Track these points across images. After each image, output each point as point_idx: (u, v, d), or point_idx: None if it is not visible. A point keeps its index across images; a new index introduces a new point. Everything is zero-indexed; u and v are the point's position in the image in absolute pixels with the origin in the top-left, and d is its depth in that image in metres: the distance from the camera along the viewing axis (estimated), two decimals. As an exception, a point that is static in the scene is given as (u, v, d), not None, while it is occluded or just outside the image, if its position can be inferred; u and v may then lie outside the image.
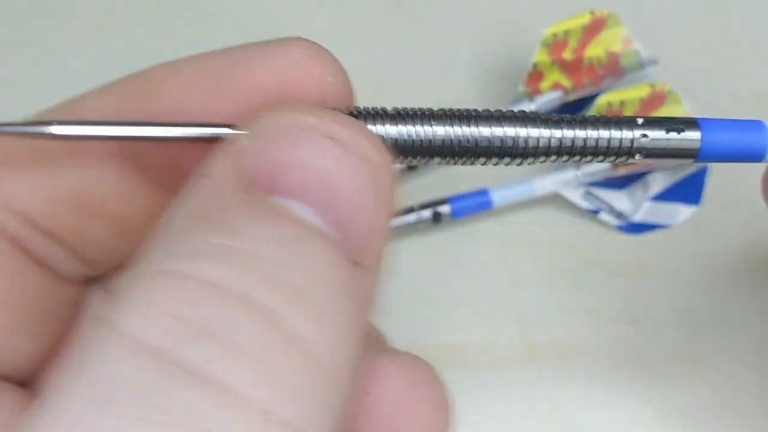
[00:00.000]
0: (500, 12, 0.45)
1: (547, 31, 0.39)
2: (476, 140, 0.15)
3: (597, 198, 0.38)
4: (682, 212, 0.37)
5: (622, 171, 0.37)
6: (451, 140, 0.15)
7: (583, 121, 0.16)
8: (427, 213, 0.36)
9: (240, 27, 0.45)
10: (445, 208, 0.36)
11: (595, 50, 0.39)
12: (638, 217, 0.37)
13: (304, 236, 0.11)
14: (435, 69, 0.43)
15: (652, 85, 0.36)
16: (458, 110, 0.16)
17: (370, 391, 0.15)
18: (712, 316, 0.35)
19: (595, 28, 0.39)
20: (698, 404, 0.33)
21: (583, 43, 0.39)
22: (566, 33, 0.39)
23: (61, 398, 0.10)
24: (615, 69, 0.39)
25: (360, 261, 0.12)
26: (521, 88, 0.39)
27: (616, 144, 0.16)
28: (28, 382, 0.15)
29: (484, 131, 0.16)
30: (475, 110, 0.16)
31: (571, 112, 0.39)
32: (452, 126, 0.15)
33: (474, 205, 0.37)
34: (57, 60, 0.43)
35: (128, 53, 0.43)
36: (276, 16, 0.45)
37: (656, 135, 0.16)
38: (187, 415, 0.10)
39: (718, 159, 0.17)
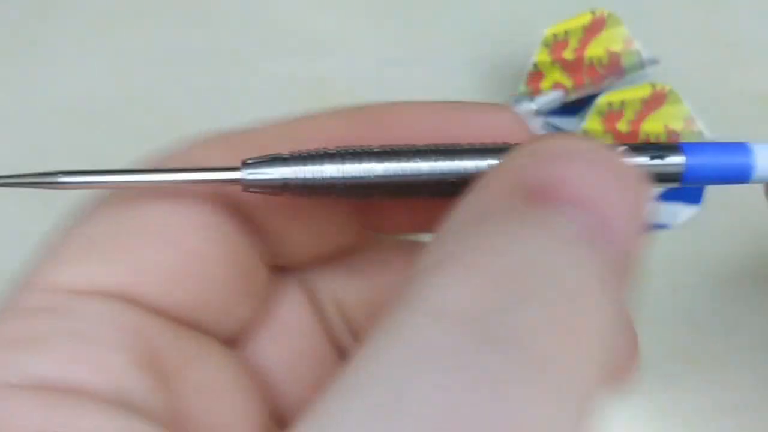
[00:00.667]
0: (500, 12, 0.45)
1: (548, 31, 0.39)
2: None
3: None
4: (682, 212, 0.37)
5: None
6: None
7: None
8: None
9: (241, 27, 0.45)
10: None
11: (595, 50, 0.39)
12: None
13: (582, 238, 0.13)
14: (435, 69, 0.43)
15: (653, 85, 0.36)
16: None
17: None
18: (712, 316, 0.35)
19: (595, 28, 0.39)
20: (698, 404, 0.33)
21: (584, 43, 0.39)
22: (566, 33, 0.39)
23: (373, 361, 0.11)
24: (615, 69, 0.39)
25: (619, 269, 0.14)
26: (522, 87, 0.39)
27: None
28: (230, 342, 0.17)
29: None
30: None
31: (573, 111, 0.39)
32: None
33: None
34: (59, 61, 0.43)
35: (131, 55, 0.43)
36: (277, 16, 0.45)
37: (640, 162, 0.16)
38: (489, 376, 0.11)
39: (702, 182, 0.17)
